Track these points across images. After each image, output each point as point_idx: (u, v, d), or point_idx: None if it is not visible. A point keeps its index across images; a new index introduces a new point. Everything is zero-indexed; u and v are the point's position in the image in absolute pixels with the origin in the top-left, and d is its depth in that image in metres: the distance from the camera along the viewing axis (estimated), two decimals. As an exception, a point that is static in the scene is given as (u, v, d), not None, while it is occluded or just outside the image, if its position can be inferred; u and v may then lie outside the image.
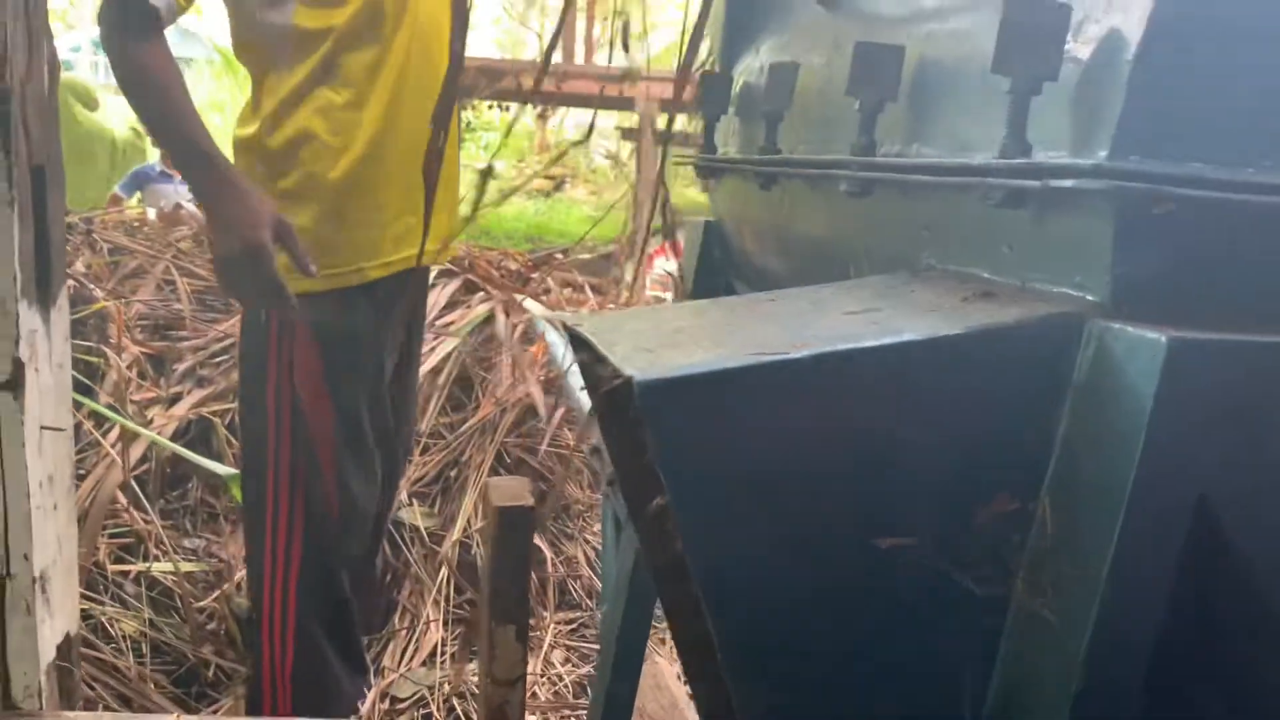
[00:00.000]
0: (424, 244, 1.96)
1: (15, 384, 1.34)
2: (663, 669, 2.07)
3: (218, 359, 2.97)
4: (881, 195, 1.12)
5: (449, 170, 2.15)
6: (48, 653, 1.48)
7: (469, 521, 2.75)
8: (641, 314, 1.35)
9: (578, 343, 0.96)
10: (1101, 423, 0.79)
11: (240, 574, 2.50)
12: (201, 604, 2.48)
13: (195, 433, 2.78)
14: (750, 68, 1.70)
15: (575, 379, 1.92)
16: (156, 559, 2.49)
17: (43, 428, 1.41)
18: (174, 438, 2.68)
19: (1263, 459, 0.78)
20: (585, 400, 1.54)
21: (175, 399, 2.81)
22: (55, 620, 1.49)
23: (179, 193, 5.18)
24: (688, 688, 1.85)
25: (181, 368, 2.90)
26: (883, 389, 0.80)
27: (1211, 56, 0.80)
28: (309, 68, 1.92)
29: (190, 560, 2.59)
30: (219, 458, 2.68)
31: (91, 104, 7.32)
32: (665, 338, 0.90)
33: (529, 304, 3.42)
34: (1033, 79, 0.87)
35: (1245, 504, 0.78)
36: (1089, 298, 0.84)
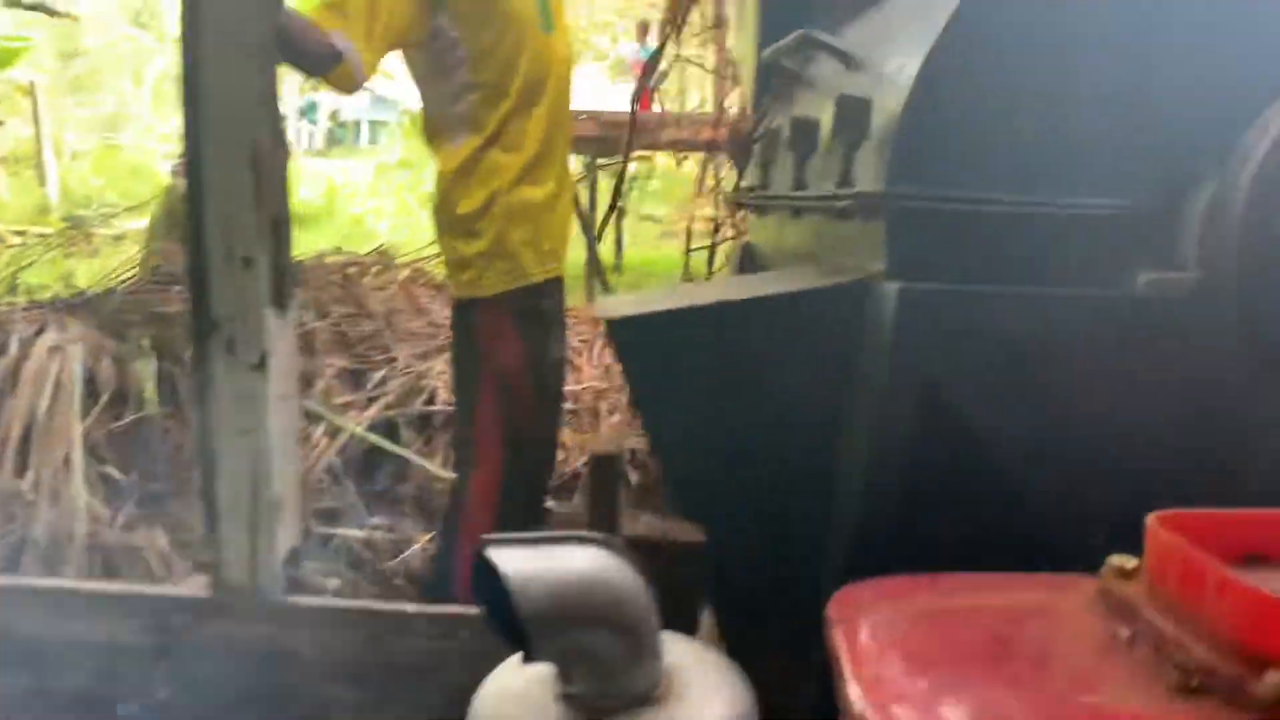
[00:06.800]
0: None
1: (262, 366, 2.05)
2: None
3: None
4: (806, 216, 1.70)
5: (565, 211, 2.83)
6: (281, 554, 2.17)
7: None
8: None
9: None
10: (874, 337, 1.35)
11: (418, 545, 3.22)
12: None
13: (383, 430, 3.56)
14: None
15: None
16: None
17: (278, 397, 2.12)
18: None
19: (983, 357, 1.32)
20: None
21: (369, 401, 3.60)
22: (287, 531, 2.19)
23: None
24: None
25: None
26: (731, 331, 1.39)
27: (961, 110, 1.35)
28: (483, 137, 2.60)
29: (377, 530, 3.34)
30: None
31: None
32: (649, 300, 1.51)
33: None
34: (851, 143, 1.44)
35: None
36: (880, 267, 1.40)
